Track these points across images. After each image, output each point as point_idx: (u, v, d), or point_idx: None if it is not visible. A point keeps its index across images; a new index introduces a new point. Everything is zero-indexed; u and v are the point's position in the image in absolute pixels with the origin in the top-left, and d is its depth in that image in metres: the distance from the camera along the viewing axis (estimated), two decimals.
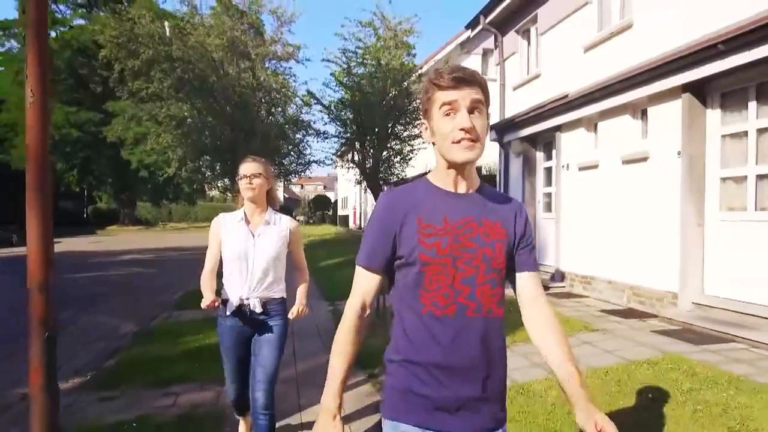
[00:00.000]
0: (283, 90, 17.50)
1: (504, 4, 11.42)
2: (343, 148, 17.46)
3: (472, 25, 13.16)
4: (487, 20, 12.31)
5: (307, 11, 18.11)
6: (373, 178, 14.11)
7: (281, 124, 18.23)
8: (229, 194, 21.04)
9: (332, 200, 52.79)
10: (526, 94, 11.03)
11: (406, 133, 14.65)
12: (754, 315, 5.69)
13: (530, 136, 10.05)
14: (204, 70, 15.77)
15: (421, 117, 1.51)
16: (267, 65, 17.85)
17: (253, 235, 2.79)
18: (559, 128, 9.29)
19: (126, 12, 16.31)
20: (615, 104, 7.66)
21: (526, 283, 1.52)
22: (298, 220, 31.63)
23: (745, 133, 6.09)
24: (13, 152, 35.65)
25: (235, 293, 2.76)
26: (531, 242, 1.54)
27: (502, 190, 10.33)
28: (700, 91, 6.46)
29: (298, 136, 18.90)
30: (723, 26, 5.78)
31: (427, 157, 14.89)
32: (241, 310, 2.76)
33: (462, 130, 1.37)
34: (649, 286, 7.34)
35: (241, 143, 16.31)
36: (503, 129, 10.33)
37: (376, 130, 13.47)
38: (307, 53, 50.89)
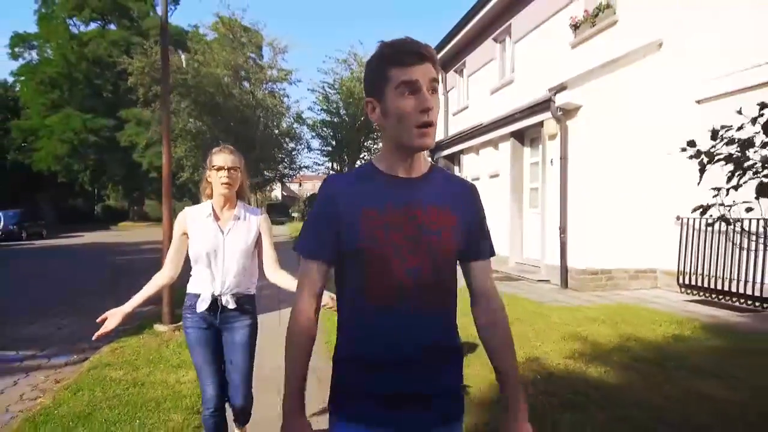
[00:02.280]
0: (277, 107, 21.21)
1: (444, 51, 15.09)
2: (327, 157, 21.15)
3: None
4: None
5: (297, 44, 21.91)
6: None
7: (276, 136, 21.96)
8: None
9: None
10: (461, 120, 14.69)
11: (374, 147, 18.29)
12: (534, 266, 9.41)
13: (448, 156, 13.71)
14: (213, 93, 19.43)
15: (365, 95, 1.32)
16: (264, 87, 21.58)
17: (223, 232, 2.58)
18: (461, 151, 12.96)
19: (148, 47, 19.86)
20: (485, 140, 11.34)
21: (475, 273, 1.41)
22: (292, 217, 35.62)
23: (537, 163, 9.72)
24: (35, 155, 39.19)
25: (206, 290, 2.57)
26: (483, 227, 1.41)
27: None
28: (520, 136, 10.20)
29: (291, 145, 22.67)
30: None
31: None
32: (212, 307, 2.56)
33: (423, 111, 1.20)
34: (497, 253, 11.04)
35: (243, 152, 19.99)
36: (438, 147, 13.97)
37: (350, 144, 17.14)
38: (299, 74, 54.58)
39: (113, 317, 2.36)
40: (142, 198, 48.16)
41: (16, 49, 43.84)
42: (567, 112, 7.59)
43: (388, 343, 1.28)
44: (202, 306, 2.56)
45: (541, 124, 8.34)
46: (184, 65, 18.96)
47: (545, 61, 10.10)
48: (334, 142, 16.98)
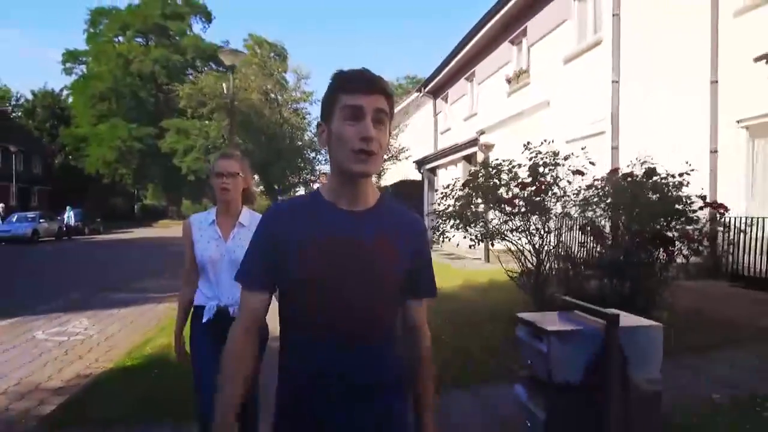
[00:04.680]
0: (300, 124, 25.36)
1: (432, 83, 18.97)
2: None
3: (419, 89, 20.78)
4: (426, 89, 19.90)
5: (316, 69, 26.29)
6: None
7: (299, 147, 26.12)
8: (258, 195, 29.18)
9: None
10: (447, 138, 18.50)
11: None
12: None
13: (430, 168, 17.56)
14: (248, 113, 23.62)
15: (319, 119, 1.32)
16: (289, 106, 25.77)
17: (225, 240, 2.49)
18: (437, 166, 16.79)
19: (196, 77, 24.20)
20: (449, 159, 15.15)
21: (413, 310, 1.41)
22: None
23: None
24: (86, 160, 44.20)
25: (211, 300, 2.49)
26: (426, 264, 1.41)
27: (425, 200, 17.77)
28: (468, 159, 13.90)
29: (312, 155, 26.81)
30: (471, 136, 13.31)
31: (399, 169, 22.24)
32: (217, 317, 2.45)
33: (363, 139, 1.19)
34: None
35: (272, 162, 24.24)
36: (422, 162, 17.82)
37: None
38: (318, 95, 59.49)
39: (180, 355, 2.60)
40: (180, 198, 52.98)
41: (68, 65, 49.13)
42: (488, 146, 11.45)
43: (323, 374, 1.26)
44: (206, 316, 2.49)
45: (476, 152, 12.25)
46: (225, 91, 23.15)
47: (493, 102, 13.93)
48: None
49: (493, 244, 5.53)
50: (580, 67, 9.99)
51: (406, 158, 20.42)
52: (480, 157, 11.89)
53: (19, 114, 51.26)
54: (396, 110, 23.55)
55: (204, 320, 2.48)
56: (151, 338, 5.75)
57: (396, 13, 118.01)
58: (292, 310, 1.31)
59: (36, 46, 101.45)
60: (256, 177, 26.28)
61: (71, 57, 48.33)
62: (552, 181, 4.89)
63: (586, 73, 9.69)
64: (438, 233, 5.78)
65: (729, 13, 7.78)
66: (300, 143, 26.17)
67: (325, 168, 24.24)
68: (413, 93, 21.87)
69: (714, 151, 8.13)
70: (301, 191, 69.55)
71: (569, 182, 4.99)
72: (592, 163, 5.12)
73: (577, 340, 1.73)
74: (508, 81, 12.98)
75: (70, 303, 8.32)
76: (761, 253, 7.29)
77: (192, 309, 2.58)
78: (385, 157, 21.66)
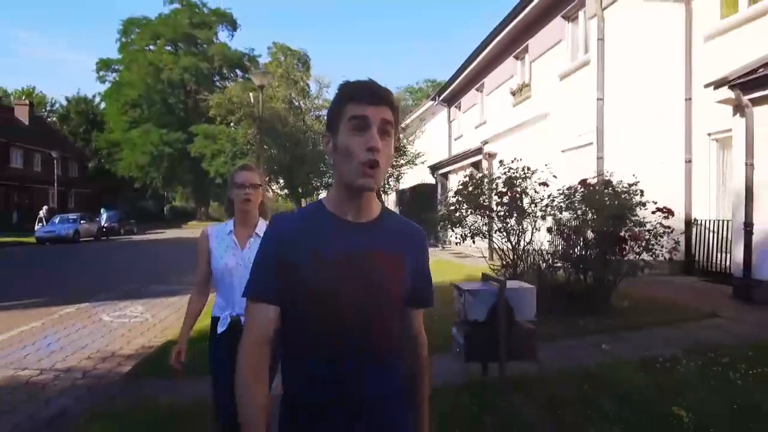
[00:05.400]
0: (322, 131, 26.73)
1: (446, 92, 20.07)
2: None
3: (434, 97, 21.91)
4: (440, 98, 21.01)
5: (339, 75, 27.84)
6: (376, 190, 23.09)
7: (322, 152, 27.44)
8: (282, 198, 30.68)
9: None
10: (460, 144, 19.58)
11: (395, 162, 23.37)
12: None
13: (442, 173, 18.65)
14: (273, 122, 25.05)
15: (325, 130, 1.33)
16: (312, 114, 27.15)
17: (241, 249, 2.56)
18: (449, 171, 17.88)
19: (223, 86, 25.82)
20: (459, 165, 16.24)
21: (414, 321, 1.44)
22: None
23: None
24: (118, 164, 46.42)
25: (225, 311, 2.56)
26: (427, 275, 1.44)
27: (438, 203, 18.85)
28: (476, 165, 14.91)
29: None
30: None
31: (416, 173, 23.27)
32: (231, 328, 2.50)
33: (369, 149, 1.20)
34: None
35: (296, 167, 25.64)
36: (435, 167, 18.93)
37: None
38: None
39: (180, 354, 2.63)
40: (208, 200, 55.02)
41: (101, 73, 51.50)
42: (492, 155, 12.52)
43: (330, 390, 1.26)
44: (221, 328, 2.54)
45: (481, 160, 13.34)
46: (252, 101, 24.63)
47: (500, 112, 14.99)
48: None
49: (474, 242, 6.63)
50: (573, 83, 11.01)
51: (422, 163, 21.54)
52: (484, 164, 12.99)
53: (54, 119, 53.92)
54: (412, 117, 24.82)
55: (219, 331, 2.55)
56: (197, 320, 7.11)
57: (417, 16, 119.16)
58: (300, 323, 1.29)
59: (69, 54, 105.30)
60: (281, 181, 27.76)
61: (104, 65, 50.63)
62: (521, 191, 6.00)
63: (577, 89, 10.72)
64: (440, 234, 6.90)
65: (700, 37, 8.77)
66: (322, 149, 27.49)
67: None
68: (429, 101, 22.98)
69: (688, 161, 9.11)
70: (323, 194, 71.56)
71: (536, 191, 6.09)
72: (555, 176, 6.21)
73: (482, 295, 2.84)
74: (512, 93, 14.03)
75: (124, 293, 9.68)
76: (727, 252, 8.23)
77: (200, 320, 2.72)
78: (403, 161, 22.90)
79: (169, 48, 48.89)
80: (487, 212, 6.13)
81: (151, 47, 48.69)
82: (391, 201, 26.48)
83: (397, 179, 24.03)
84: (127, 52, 48.79)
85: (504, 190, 6.03)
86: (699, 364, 4.03)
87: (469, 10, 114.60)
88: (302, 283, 1.26)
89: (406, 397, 1.41)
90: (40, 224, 27.49)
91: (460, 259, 13.66)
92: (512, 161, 6.22)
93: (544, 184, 6.05)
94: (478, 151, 12.98)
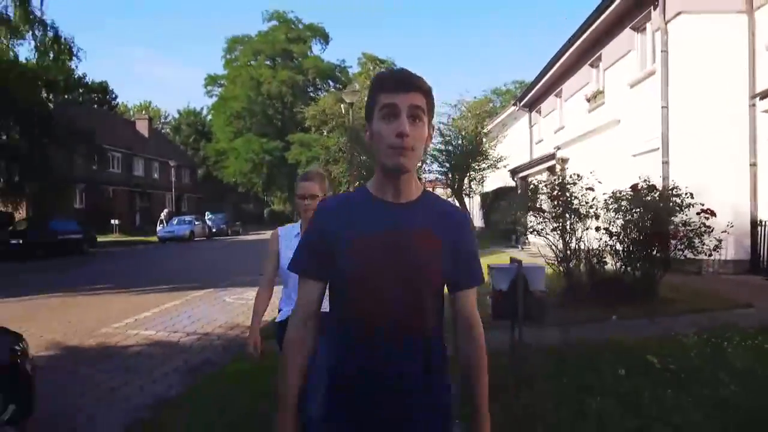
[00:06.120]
0: None
1: (527, 98, 20.77)
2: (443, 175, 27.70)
3: (515, 103, 22.64)
4: (521, 103, 21.71)
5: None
6: (458, 193, 24.04)
7: None
8: None
9: None
10: (541, 147, 20.19)
11: (477, 166, 24.24)
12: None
13: (522, 176, 19.32)
14: (363, 131, 26.83)
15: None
16: None
17: None
18: (529, 174, 18.53)
19: (317, 97, 27.97)
20: (537, 169, 16.91)
21: (460, 301, 1.45)
22: None
23: None
24: (224, 171, 50.89)
25: (289, 305, 2.67)
26: (471, 254, 1.46)
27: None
28: (552, 170, 15.49)
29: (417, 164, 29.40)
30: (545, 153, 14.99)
31: (498, 176, 24.02)
32: None
33: (398, 135, 1.29)
34: None
35: None
36: (515, 171, 19.66)
37: (458, 167, 23.39)
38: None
39: (256, 344, 2.80)
40: None
41: (209, 87, 56.64)
42: (564, 160, 13.23)
43: (367, 367, 1.32)
44: (280, 318, 2.74)
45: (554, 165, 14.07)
46: (343, 111, 26.56)
47: (575, 118, 15.57)
48: (447, 165, 23.37)
49: (527, 239, 7.64)
50: (641, 91, 11.54)
51: (504, 167, 22.29)
52: (558, 169, 13.73)
53: (168, 131, 59.86)
54: (495, 122, 25.58)
55: (279, 320, 2.77)
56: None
57: (507, 19, 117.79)
58: (340, 301, 1.38)
59: (180, 70, 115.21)
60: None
61: (212, 81, 55.65)
62: (570, 194, 6.96)
63: (645, 97, 11.26)
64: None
65: (763, 47, 9.15)
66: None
67: (430, 176, 26.71)
68: (511, 106, 23.70)
69: (753, 164, 9.48)
70: None
71: (584, 195, 7.00)
72: (599, 182, 7.09)
73: (505, 271, 3.98)
74: (587, 100, 14.60)
75: (241, 281, 11.55)
76: None
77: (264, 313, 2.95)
78: (485, 165, 23.73)
79: (268, 63, 52.79)
80: (541, 213, 7.15)
81: (252, 62, 52.80)
82: (475, 203, 27.36)
83: (480, 182, 24.91)
84: (232, 68, 53.28)
85: (556, 194, 7.01)
86: (700, 338, 4.88)
87: (554, 10, 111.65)
88: (342, 263, 1.35)
89: (449, 377, 1.45)
90: (160, 225, 31.24)
91: (531, 256, 14.42)
92: (560, 169, 7.17)
93: (590, 188, 6.96)
94: (551, 156, 13.75)
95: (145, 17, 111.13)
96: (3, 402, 3.49)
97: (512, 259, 4.21)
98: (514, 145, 23.12)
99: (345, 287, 1.37)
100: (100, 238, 25.05)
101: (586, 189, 6.92)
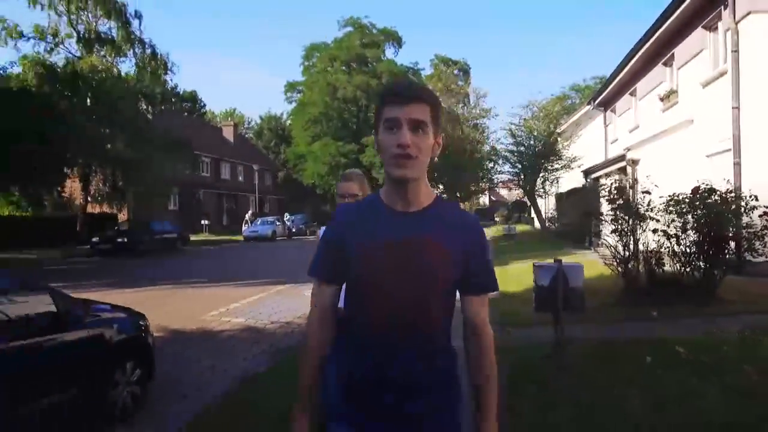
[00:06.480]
0: (479, 137, 28.43)
1: (600, 97, 20.48)
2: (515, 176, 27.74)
3: (590, 102, 22.33)
4: (595, 103, 21.41)
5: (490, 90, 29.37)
6: (531, 194, 24.03)
7: (479, 159, 29.18)
8: None
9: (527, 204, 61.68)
10: (616, 147, 19.83)
11: (551, 168, 24.07)
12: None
13: (594, 177, 19.03)
14: None
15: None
16: (469, 122, 29.03)
17: None
18: (601, 175, 18.22)
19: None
20: (609, 170, 16.60)
21: (471, 308, 1.49)
22: (495, 220, 43.11)
23: None
24: (303, 173, 53.06)
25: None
26: (482, 261, 1.49)
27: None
28: (623, 170, 15.23)
29: (489, 165, 29.66)
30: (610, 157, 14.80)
31: (573, 176, 23.72)
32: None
33: (399, 146, 1.34)
34: None
35: (452, 173, 27.69)
36: (588, 171, 19.42)
37: (531, 167, 23.40)
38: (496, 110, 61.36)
39: None
40: None
41: (288, 94, 59.10)
42: (634, 161, 13.14)
43: (375, 365, 1.40)
44: None
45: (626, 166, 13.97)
46: None
47: (649, 117, 15.32)
48: (519, 166, 23.48)
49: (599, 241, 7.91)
50: (714, 91, 11.33)
51: (578, 167, 22.06)
52: (628, 170, 13.65)
53: (251, 135, 63.10)
54: (569, 122, 25.32)
55: None
56: None
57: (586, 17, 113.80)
58: (352, 306, 1.47)
59: (261, 77, 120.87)
60: (441, 186, 30.04)
61: (291, 87, 58.02)
62: (627, 197, 7.21)
63: (718, 96, 11.06)
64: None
65: None
66: (479, 155, 29.26)
67: (502, 177, 26.82)
68: (585, 106, 23.40)
69: None
70: (485, 198, 72.08)
71: (641, 198, 7.22)
72: (656, 186, 7.27)
73: (547, 269, 4.47)
74: (661, 99, 14.37)
75: None
76: None
77: None
78: (558, 166, 23.51)
79: (343, 68, 54.37)
80: (600, 217, 7.45)
81: (329, 69, 54.58)
82: (550, 204, 27.15)
83: (553, 183, 24.77)
84: (309, 74, 55.35)
85: (613, 197, 7.29)
86: (740, 335, 5.11)
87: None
88: (353, 268, 1.43)
89: (456, 380, 1.51)
90: (246, 226, 33.37)
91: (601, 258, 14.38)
92: (632, 171, 7.42)
93: (647, 192, 7.17)
94: (622, 157, 13.69)
95: (232, 29, 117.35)
96: (132, 367, 4.47)
97: (556, 259, 4.70)
98: (589, 145, 22.80)
99: (356, 291, 1.47)
100: (192, 237, 27.32)
101: (643, 192, 7.15)
